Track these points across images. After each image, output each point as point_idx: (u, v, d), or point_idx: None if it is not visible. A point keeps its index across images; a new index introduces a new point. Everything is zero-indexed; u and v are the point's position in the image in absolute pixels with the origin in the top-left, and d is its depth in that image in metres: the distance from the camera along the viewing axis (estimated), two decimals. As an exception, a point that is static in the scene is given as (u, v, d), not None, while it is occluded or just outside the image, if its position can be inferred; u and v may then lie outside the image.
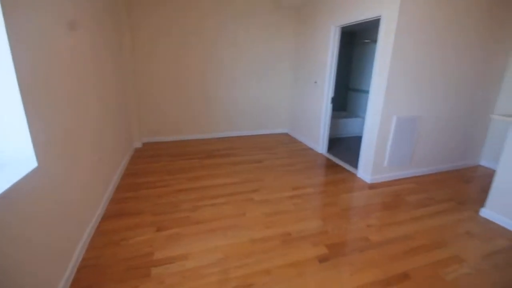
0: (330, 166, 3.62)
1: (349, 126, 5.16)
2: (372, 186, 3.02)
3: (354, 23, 3.29)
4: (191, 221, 2.24)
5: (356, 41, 5.42)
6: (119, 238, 2.00)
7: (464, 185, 3.14)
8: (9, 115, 1.27)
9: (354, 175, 3.33)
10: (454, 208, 2.59)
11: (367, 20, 3.02)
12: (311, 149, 4.35)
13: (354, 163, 3.57)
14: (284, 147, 4.39)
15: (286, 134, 5.25)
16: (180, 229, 2.13)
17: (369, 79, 5.20)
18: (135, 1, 3.83)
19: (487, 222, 2.36)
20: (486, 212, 2.43)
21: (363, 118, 5.21)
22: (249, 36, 4.52)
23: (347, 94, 5.81)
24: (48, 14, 1.61)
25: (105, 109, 2.69)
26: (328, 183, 3.10)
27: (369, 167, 3.11)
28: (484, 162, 3.79)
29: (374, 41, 4.85)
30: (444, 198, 2.78)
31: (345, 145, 4.55)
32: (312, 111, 4.31)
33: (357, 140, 4.85)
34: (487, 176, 3.36)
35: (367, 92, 5.22)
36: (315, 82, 4.11)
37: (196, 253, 1.87)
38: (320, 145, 4.14)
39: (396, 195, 2.82)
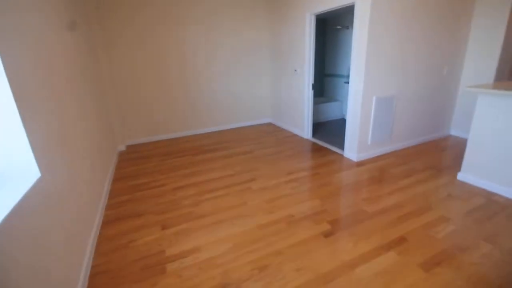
0: (318, 150, 3.77)
1: (329, 111, 5.36)
2: (360, 164, 3.21)
3: (328, 11, 3.40)
4: (195, 216, 2.27)
5: (328, 28, 5.58)
6: (126, 240, 1.98)
7: (440, 154, 3.44)
8: (5, 121, 1.21)
9: (341, 155, 3.51)
10: (434, 175, 2.85)
11: (342, 7, 3.14)
12: (296, 135, 4.48)
13: (340, 144, 3.75)
14: (270, 136, 4.48)
15: (270, 124, 5.34)
16: (186, 224, 2.15)
17: (342, 64, 5.42)
18: (108, 5, 3.65)
19: (464, 184, 2.63)
20: (462, 176, 2.70)
21: (341, 101, 5.44)
22: (223, 30, 4.49)
23: (323, 79, 6.00)
24: (37, 15, 1.52)
25: (89, 112, 2.59)
26: (319, 165, 3.24)
27: (354, 147, 3.30)
28: (453, 131, 4.15)
29: (346, 27, 5.03)
30: (424, 167, 3.03)
31: (327, 129, 4.74)
32: (294, 99, 4.42)
33: (338, 123, 5.08)
34: (459, 144, 3.70)
35: (342, 76, 5.43)
36: (295, 71, 4.21)
37: (207, 244, 1.91)
38: (305, 131, 4.28)
39: (382, 170, 3.03)
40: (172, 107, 4.48)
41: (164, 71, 4.26)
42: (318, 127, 4.80)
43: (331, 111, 5.39)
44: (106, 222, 2.23)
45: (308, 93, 4.05)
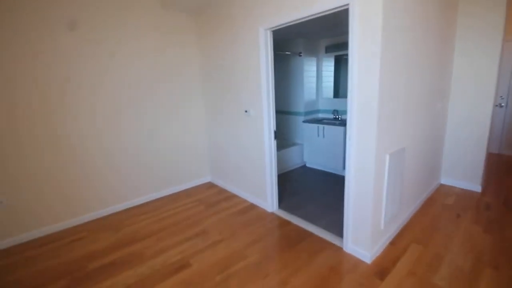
0: (297, 239, 2.31)
1: (288, 158, 4.09)
2: (379, 270, 1.87)
3: (298, 22, 2.17)
4: None
5: (276, 55, 4.50)
6: None
7: (467, 216, 2.41)
8: None
9: (339, 249, 2.13)
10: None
11: (323, 13, 1.94)
12: (253, 206, 2.97)
13: (327, 221, 2.40)
14: (214, 213, 2.84)
15: (210, 184, 3.71)
16: None
17: (297, 98, 4.35)
18: None
19: None
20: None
21: (301, 145, 4.27)
22: (136, 52, 2.84)
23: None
24: None
25: None
26: (311, 283, 1.76)
27: (364, 238, 1.97)
28: (444, 180, 3.33)
29: (298, 53, 4.01)
30: (475, 257, 1.89)
31: (294, 188, 3.39)
32: (247, 152, 2.97)
33: (303, 175, 3.81)
34: (464, 198, 2.80)
35: (298, 114, 4.31)
36: (246, 112, 2.81)
37: None
38: (269, 201, 2.80)
39: (423, 279, 1.74)
40: (60, 182, 2.43)
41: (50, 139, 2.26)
42: (280, 184, 3.42)
43: (291, 158, 4.14)
44: None
45: (269, 145, 2.66)
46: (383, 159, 1.90)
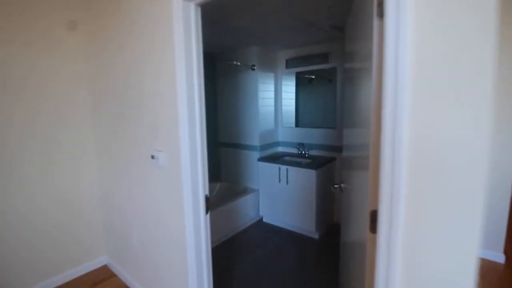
0: None
1: (238, 212, 2.81)
2: None
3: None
4: None
5: (220, 66, 3.33)
6: None
7: None
8: None
9: None
10: None
11: None
12: (171, 329, 1.57)
13: None
14: None
15: (104, 271, 2.19)
16: None
17: (251, 126, 3.18)
18: None
19: None
20: None
21: (256, 191, 3.04)
22: None
23: (218, 151, 3.54)
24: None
25: None
26: None
27: None
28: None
29: (250, 66, 2.92)
30: None
31: (245, 266, 2.09)
32: (158, 226, 1.61)
33: (259, 238, 2.46)
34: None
35: (248, 148, 3.14)
36: (153, 158, 1.48)
37: None
38: (197, 328, 1.44)
39: None
40: None
41: None
42: (222, 259, 2.09)
43: (241, 212, 2.86)
44: None
45: (195, 223, 1.34)
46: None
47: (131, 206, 1.84)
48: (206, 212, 1.37)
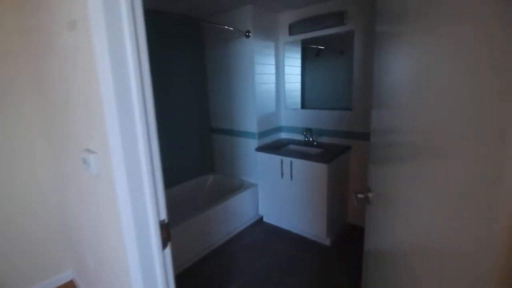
0: None
1: (233, 212, 2.33)
2: None
3: None
4: None
5: (205, 35, 2.74)
6: None
7: None
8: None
9: None
10: None
11: None
12: None
13: None
14: None
15: (71, 285, 1.79)
16: None
17: (243, 109, 2.63)
18: None
19: None
20: None
21: (255, 186, 2.55)
22: None
23: (210, 138, 3.02)
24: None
25: None
26: None
27: None
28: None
29: (241, 31, 2.33)
30: None
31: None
32: (104, 251, 1.14)
33: (260, 243, 1.93)
34: None
35: (244, 135, 2.62)
36: (84, 162, 0.98)
37: None
38: None
39: None
40: None
41: None
42: (208, 275, 1.65)
43: (238, 211, 2.39)
44: None
45: (143, 267, 0.86)
46: None
47: (81, 222, 1.37)
48: (164, 247, 0.87)
